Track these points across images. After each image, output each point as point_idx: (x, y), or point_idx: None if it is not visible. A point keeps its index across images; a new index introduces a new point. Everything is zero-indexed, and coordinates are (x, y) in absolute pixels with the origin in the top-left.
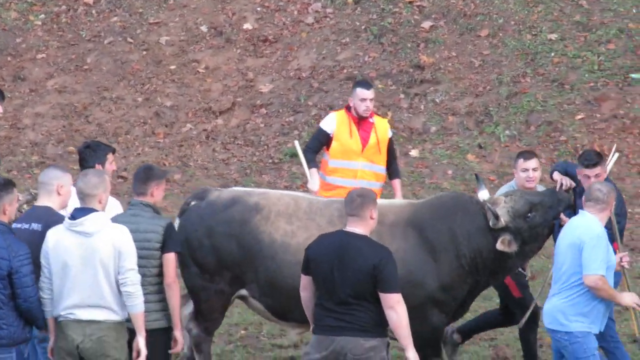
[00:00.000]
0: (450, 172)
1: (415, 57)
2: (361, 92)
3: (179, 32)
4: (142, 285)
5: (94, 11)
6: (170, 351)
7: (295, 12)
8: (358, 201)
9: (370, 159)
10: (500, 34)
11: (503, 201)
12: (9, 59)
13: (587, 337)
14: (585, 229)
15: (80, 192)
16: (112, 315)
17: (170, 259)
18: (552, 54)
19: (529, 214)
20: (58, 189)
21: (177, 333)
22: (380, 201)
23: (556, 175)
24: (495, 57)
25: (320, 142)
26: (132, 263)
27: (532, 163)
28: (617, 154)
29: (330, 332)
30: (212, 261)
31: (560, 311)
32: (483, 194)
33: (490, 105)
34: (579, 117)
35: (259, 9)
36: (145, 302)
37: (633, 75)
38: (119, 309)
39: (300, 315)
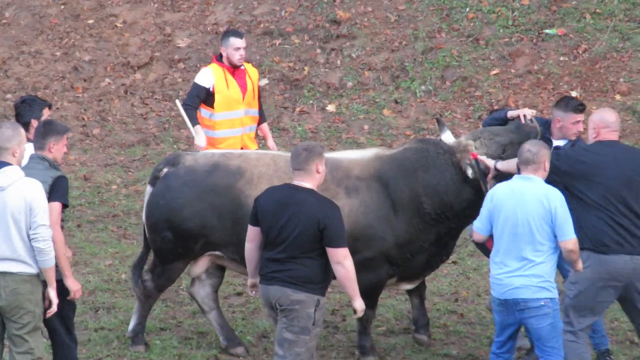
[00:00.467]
0: (366, 127)
1: (332, 12)
2: (235, 40)
3: None
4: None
5: None
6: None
7: None
8: (303, 155)
9: (249, 105)
10: None
11: (474, 147)
12: None
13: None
14: (549, 194)
15: None
16: (26, 268)
17: (53, 208)
18: (467, 9)
19: (502, 155)
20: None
21: (69, 281)
22: (348, 153)
23: (512, 113)
24: (411, 12)
25: (199, 98)
26: (43, 219)
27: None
28: None
29: (267, 281)
30: (192, 227)
31: (546, 279)
32: (447, 137)
33: (406, 60)
34: (494, 72)
35: None
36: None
37: (547, 31)
38: (33, 262)
39: None
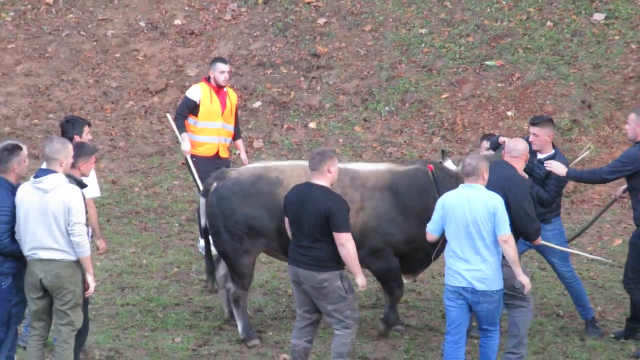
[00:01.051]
0: (341, 140)
1: (313, 48)
2: (221, 65)
3: (122, 26)
4: None
5: (53, 9)
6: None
7: (216, 11)
8: (317, 158)
9: (227, 120)
10: (381, 29)
11: None
12: None
13: None
14: (490, 198)
15: (45, 155)
16: (66, 256)
17: None
18: (423, 45)
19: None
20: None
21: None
22: (365, 166)
23: (501, 139)
24: (377, 47)
25: (188, 109)
26: (78, 217)
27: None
28: (588, 151)
29: (295, 264)
30: (242, 227)
31: (497, 273)
32: (449, 164)
33: (373, 86)
34: (444, 96)
35: (186, 8)
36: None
37: (487, 63)
38: (72, 251)
39: None
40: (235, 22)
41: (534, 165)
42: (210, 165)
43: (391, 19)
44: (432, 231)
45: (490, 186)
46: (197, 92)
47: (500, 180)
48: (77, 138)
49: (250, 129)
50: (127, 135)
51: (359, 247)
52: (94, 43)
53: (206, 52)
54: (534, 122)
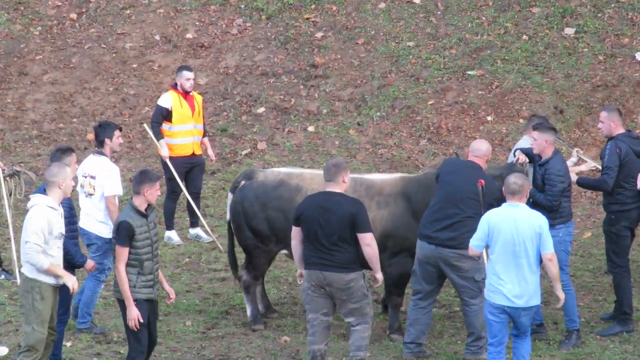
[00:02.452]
0: (337, 142)
1: (311, 59)
2: (187, 73)
3: (139, 40)
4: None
5: (77, 24)
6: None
7: (224, 25)
8: (333, 170)
9: (197, 121)
10: (373, 42)
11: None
12: (15, 59)
13: None
14: (535, 218)
15: (45, 179)
16: (24, 270)
17: (116, 248)
18: (410, 57)
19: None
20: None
21: (128, 310)
22: (378, 176)
23: (517, 153)
24: (369, 59)
25: (162, 116)
26: (28, 236)
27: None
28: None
29: (320, 268)
30: (264, 228)
31: (537, 289)
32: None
33: (366, 94)
34: (430, 102)
35: (197, 23)
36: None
37: (469, 72)
38: (27, 267)
39: None
40: (241, 36)
41: (535, 170)
42: (188, 163)
43: (382, 33)
44: (475, 247)
45: None
46: (168, 99)
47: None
48: (107, 141)
49: (255, 132)
50: (143, 138)
51: (381, 250)
52: (114, 55)
53: (215, 63)
54: (535, 127)
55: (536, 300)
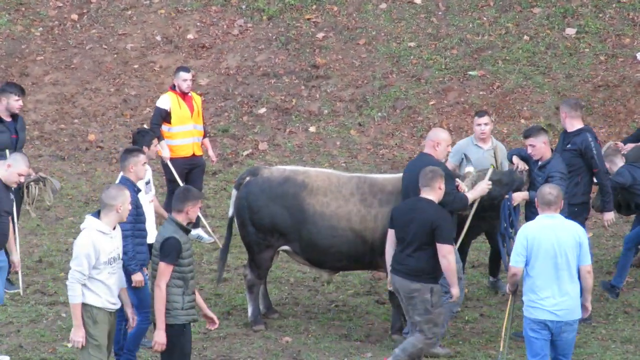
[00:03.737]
0: (338, 143)
1: (312, 59)
2: (184, 74)
3: (141, 40)
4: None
5: (78, 25)
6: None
7: (225, 26)
8: (430, 175)
9: (196, 121)
10: (374, 43)
11: (471, 175)
12: (16, 60)
13: None
14: (574, 228)
15: (101, 201)
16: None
17: (160, 267)
18: (412, 57)
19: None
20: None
21: (158, 332)
22: (382, 175)
23: (515, 159)
24: (370, 59)
25: (162, 117)
26: (73, 262)
27: (484, 119)
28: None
29: (394, 272)
30: (267, 224)
31: (578, 302)
32: (469, 169)
33: (367, 94)
34: (431, 103)
35: (198, 23)
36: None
37: (470, 73)
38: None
39: (330, 265)
40: (242, 37)
41: (535, 174)
42: (188, 164)
43: (383, 34)
44: (517, 263)
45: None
46: (167, 101)
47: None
48: (145, 149)
49: (256, 132)
50: None
51: (380, 249)
52: (115, 55)
53: (216, 64)
54: (526, 135)
55: (578, 314)
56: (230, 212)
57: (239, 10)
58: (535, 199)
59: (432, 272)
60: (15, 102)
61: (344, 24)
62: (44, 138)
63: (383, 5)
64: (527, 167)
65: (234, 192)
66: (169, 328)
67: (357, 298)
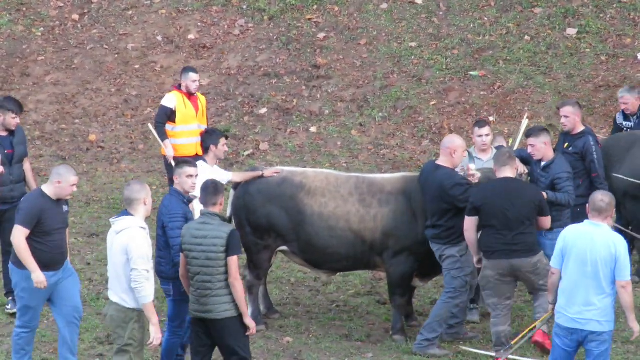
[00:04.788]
0: (339, 143)
1: (314, 59)
2: (193, 75)
3: (142, 40)
4: (211, 282)
5: (79, 25)
6: (247, 334)
7: (226, 26)
8: (507, 155)
9: (201, 121)
10: (375, 43)
11: (484, 171)
12: (17, 60)
13: None
14: (613, 240)
15: (126, 198)
16: (121, 301)
17: (233, 261)
18: (413, 57)
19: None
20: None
21: (247, 320)
22: (381, 175)
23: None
24: (371, 59)
25: (166, 116)
26: (136, 264)
27: (485, 130)
28: (526, 121)
29: (509, 256)
30: (264, 224)
31: (609, 314)
32: (472, 167)
33: (368, 94)
34: (432, 103)
35: (199, 24)
36: (216, 296)
37: (471, 73)
38: (129, 297)
39: (329, 266)
40: (243, 37)
41: (538, 175)
42: None
43: (384, 34)
44: (555, 264)
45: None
46: (172, 100)
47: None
48: (212, 148)
49: (257, 133)
50: (145, 139)
51: (382, 249)
52: (116, 55)
53: (217, 64)
54: (527, 135)
55: (607, 327)
56: (229, 212)
57: (240, 11)
58: (587, 205)
59: (537, 241)
60: (12, 120)
61: (345, 24)
62: (45, 138)
63: (384, 6)
64: (526, 171)
65: (232, 192)
66: (239, 318)
67: (358, 298)
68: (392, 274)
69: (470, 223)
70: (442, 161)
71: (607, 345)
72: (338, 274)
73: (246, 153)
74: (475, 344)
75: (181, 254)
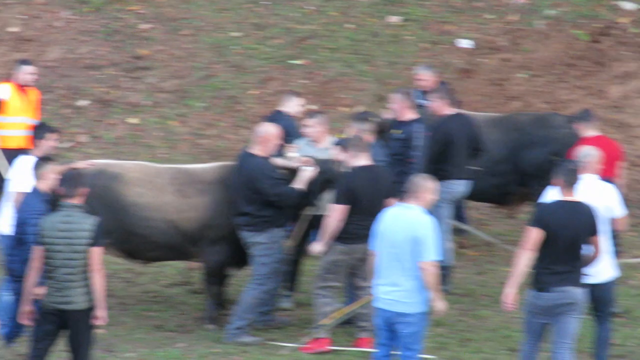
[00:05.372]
0: (159, 134)
1: (136, 51)
2: (27, 68)
3: None
4: (75, 274)
5: None
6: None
7: (49, 18)
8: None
9: (31, 115)
10: (198, 33)
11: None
12: None
13: None
14: (419, 220)
15: None
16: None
17: (98, 252)
18: (235, 47)
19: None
20: None
21: (100, 311)
22: (200, 165)
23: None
24: (194, 50)
25: None
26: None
27: (311, 121)
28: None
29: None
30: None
31: (414, 295)
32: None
33: (189, 85)
34: (253, 92)
35: (22, 16)
36: (78, 287)
37: (293, 62)
38: None
39: (146, 255)
40: (66, 29)
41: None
42: (18, 156)
43: (208, 24)
44: (371, 246)
45: None
46: (6, 91)
47: None
48: (41, 142)
49: (77, 125)
50: None
51: (198, 239)
52: None
53: (40, 56)
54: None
55: (415, 308)
56: None
57: (64, 2)
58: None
59: None
60: None
61: (169, 14)
62: None
63: None
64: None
65: None
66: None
67: (172, 289)
68: (209, 262)
69: (342, 211)
70: (256, 150)
71: (417, 328)
72: (153, 264)
73: (65, 146)
74: (288, 330)
75: (36, 247)
